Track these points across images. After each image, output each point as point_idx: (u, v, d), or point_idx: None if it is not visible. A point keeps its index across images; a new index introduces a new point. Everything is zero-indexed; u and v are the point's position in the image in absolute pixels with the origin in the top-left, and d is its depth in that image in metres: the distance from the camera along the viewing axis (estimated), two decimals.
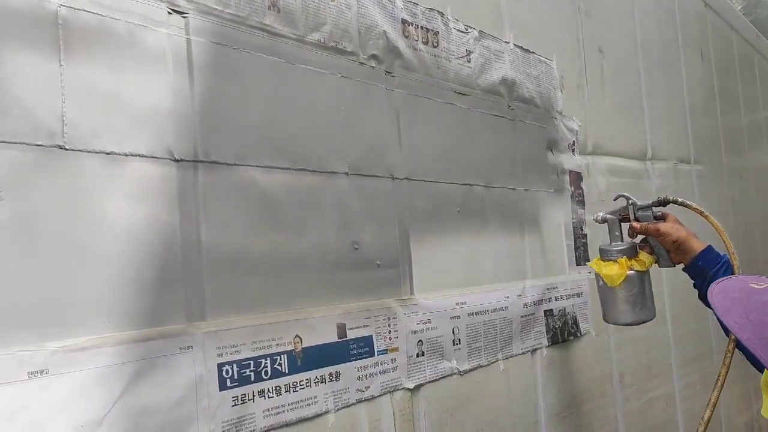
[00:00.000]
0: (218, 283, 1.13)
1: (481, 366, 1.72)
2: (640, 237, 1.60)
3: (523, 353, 1.87)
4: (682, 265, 1.53)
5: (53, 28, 0.96)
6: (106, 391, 0.95)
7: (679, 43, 3.34)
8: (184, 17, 1.13)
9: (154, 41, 1.09)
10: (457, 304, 1.66)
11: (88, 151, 0.98)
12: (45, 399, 0.88)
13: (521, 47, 2.02)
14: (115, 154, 1.01)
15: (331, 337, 1.32)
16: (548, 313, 2.00)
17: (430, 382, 1.55)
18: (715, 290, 0.87)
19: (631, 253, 1.53)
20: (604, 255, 1.56)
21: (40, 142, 0.93)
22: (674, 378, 2.73)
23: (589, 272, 1.64)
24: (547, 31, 2.18)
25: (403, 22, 1.61)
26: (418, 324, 1.53)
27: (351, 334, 1.36)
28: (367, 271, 1.43)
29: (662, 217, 1.55)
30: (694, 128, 3.34)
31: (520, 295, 1.89)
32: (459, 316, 1.66)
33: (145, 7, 1.08)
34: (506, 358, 1.80)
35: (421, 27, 1.66)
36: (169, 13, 1.12)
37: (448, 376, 1.61)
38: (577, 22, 2.39)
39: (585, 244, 2.22)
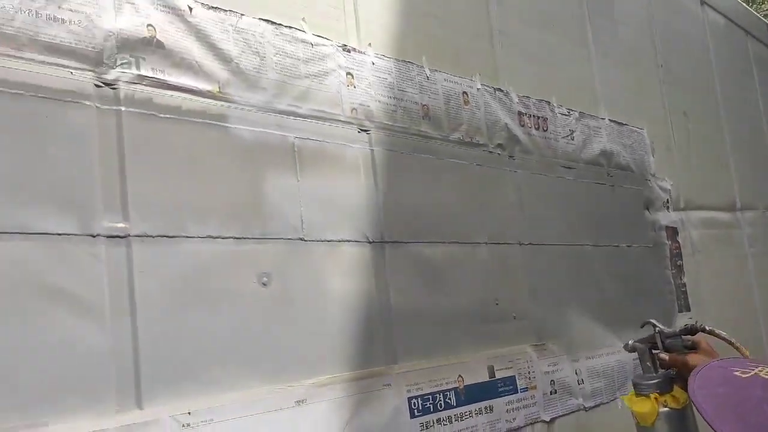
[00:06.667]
0: (403, 335, 1.47)
1: (602, 403, 1.97)
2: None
3: None
4: None
5: (291, 153, 1.35)
6: (341, 415, 1.29)
7: (756, 88, 3.50)
8: (368, 134, 1.52)
9: (351, 154, 1.47)
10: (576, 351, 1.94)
11: (319, 241, 1.35)
12: (306, 420, 1.23)
13: (615, 121, 2.33)
14: (333, 241, 1.38)
15: (484, 376, 1.63)
16: None
17: (561, 416, 1.82)
18: (696, 384, 0.69)
19: (666, 387, 1.28)
20: (636, 389, 1.33)
21: (289, 237, 1.30)
22: None
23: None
24: (636, 104, 2.48)
25: (519, 113, 1.95)
26: (549, 366, 1.82)
27: (499, 374, 1.67)
28: (506, 323, 1.74)
29: (693, 346, 1.31)
30: None
31: None
32: (578, 360, 1.94)
33: (345, 131, 1.46)
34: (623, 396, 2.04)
35: (533, 116, 2.00)
36: (359, 132, 1.50)
37: (576, 411, 1.87)
38: (660, 92, 2.67)
39: (685, 293, 2.44)
